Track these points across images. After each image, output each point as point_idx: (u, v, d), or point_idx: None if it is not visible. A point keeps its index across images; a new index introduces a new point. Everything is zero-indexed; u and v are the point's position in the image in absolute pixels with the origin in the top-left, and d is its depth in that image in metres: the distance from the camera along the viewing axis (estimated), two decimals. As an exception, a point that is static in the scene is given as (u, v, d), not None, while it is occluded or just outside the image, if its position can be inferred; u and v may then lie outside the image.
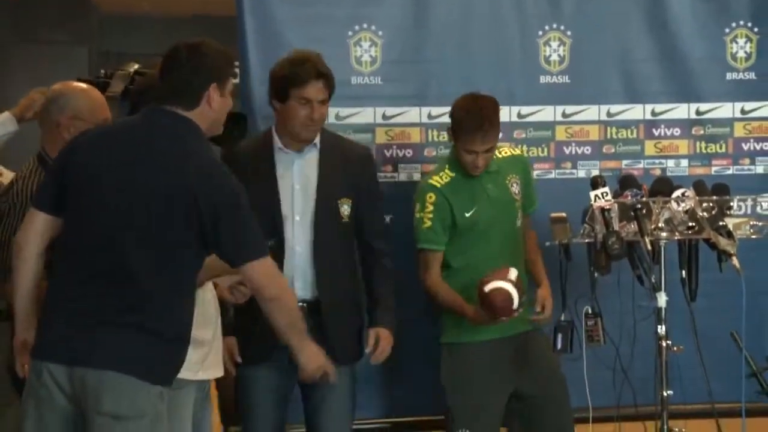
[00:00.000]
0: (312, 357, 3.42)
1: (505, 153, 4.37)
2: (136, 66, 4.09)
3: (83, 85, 4.01)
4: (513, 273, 4.01)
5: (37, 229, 3.27)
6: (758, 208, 4.77)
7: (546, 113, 4.76)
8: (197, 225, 3.16)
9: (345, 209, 4.11)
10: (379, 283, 4.21)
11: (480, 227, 4.24)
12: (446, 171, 4.28)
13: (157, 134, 3.24)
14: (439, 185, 4.26)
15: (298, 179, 4.09)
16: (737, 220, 4.15)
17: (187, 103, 3.24)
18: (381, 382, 4.65)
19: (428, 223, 4.24)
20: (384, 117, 4.61)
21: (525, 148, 4.71)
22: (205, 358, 3.63)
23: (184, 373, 3.39)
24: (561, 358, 4.24)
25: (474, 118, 4.08)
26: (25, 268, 3.26)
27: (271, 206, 4.04)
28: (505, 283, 3.98)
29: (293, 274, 4.04)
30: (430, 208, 4.23)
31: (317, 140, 4.10)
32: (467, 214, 4.23)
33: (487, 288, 3.98)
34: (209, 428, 3.84)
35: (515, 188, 4.29)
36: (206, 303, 3.62)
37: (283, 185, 4.07)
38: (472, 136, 4.09)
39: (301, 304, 3.94)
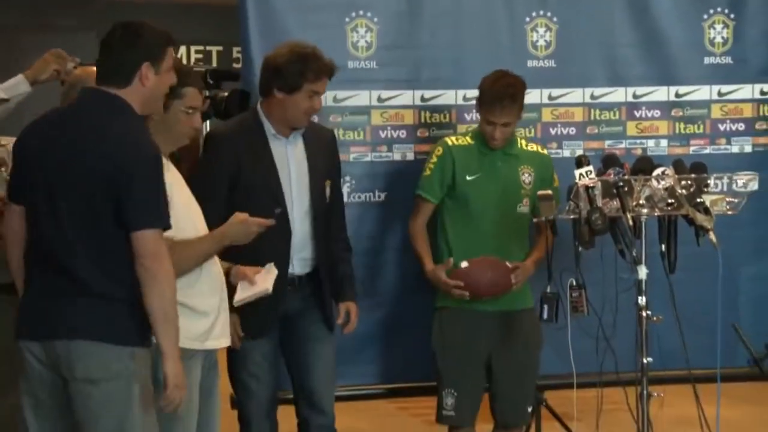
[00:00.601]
0: (178, 371, 3.22)
1: (532, 148, 4.44)
2: None
3: None
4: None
5: (15, 224, 3.31)
6: (734, 186, 4.63)
7: (533, 96, 4.70)
8: (116, 194, 3.13)
9: (327, 190, 4.16)
10: (344, 259, 4.24)
11: (480, 198, 4.27)
12: (467, 138, 4.37)
13: (84, 113, 3.23)
14: (451, 144, 4.35)
15: (293, 164, 4.08)
16: (714, 197, 4.12)
17: (119, 81, 3.21)
18: (375, 351, 4.66)
19: (428, 172, 4.34)
20: (379, 99, 4.61)
21: None
22: (212, 328, 3.60)
23: (192, 344, 3.44)
24: (547, 327, 4.27)
25: (497, 91, 4.16)
26: (17, 262, 3.33)
27: (275, 191, 4.03)
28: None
29: (299, 249, 4.05)
30: (435, 159, 4.33)
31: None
32: (468, 177, 4.27)
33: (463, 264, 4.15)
34: (218, 395, 3.78)
35: (526, 177, 4.32)
36: (212, 275, 3.59)
37: (280, 170, 4.05)
38: (492, 107, 4.16)
39: (300, 275, 4.08)
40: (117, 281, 3.19)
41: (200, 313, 3.53)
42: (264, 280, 3.81)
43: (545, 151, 4.51)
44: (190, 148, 3.88)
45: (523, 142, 4.44)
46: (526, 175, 4.34)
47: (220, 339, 3.66)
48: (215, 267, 3.63)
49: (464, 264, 4.23)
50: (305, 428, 4.22)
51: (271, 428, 4.20)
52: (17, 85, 4.07)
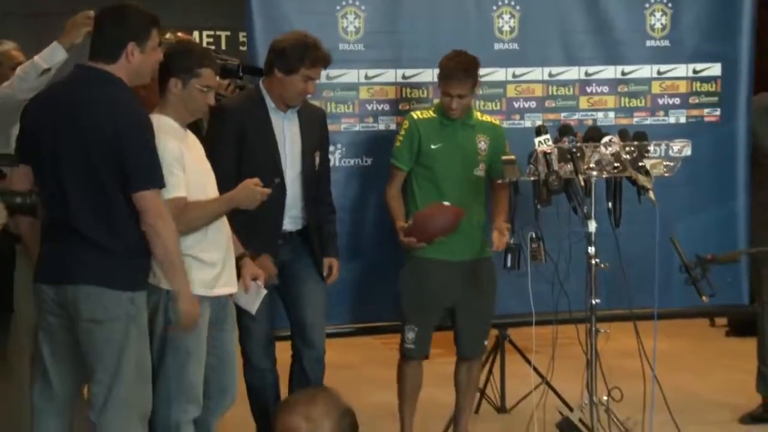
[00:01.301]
0: (190, 301, 3.34)
1: (486, 119, 4.49)
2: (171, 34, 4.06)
3: None
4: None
5: (21, 182, 3.35)
6: (670, 152, 4.66)
7: (499, 74, 4.82)
8: (111, 158, 3.18)
9: (317, 160, 4.22)
10: (329, 220, 4.31)
11: (442, 164, 4.33)
12: (430, 111, 4.44)
13: (77, 87, 3.26)
14: (416, 117, 4.40)
15: (288, 135, 4.14)
16: (653, 161, 4.17)
17: (108, 58, 3.24)
18: (358, 294, 4.71)
19: (398, 143, 4.39)
20: (366, 77, 4.66)
21: (481, 102, 4.76)
22: (218, 278, 3.62)
23: (201, 291, 3.51)
24: (510, 273, 4.30)
25: (452, 67, 4.24)
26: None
27: (273, 157, 4.10)
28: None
29: (290, 208, 4.13)
30: (403, 132, 4.39)
31: None
32: (433, 147, 4.32)
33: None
34: (233, 332, 3.84)
35: (482, 145, 4.37)
36: (218, 232, 3.62)
37: (278, 138, 4.12)
38: (449, 80, 4.24)
39: (290, 231, 4.18)
40: (116, 236, 3.24)
41: (207, 264, 3.56)
42: (253, 299, 3.86)
43: (497, 122, 4.54)
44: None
45: (479, 114, 4.48)
46: (482, 143, 4.38)
47: (226, 287, 3.68)
48: (224, 227, 3.66)
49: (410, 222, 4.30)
50: (298, 360, 4.28)
51: (269, 362, 4.26)
52: (54, 53, 3.92)
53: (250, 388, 4.24)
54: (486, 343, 4.61)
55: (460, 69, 4.25)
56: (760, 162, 5.08)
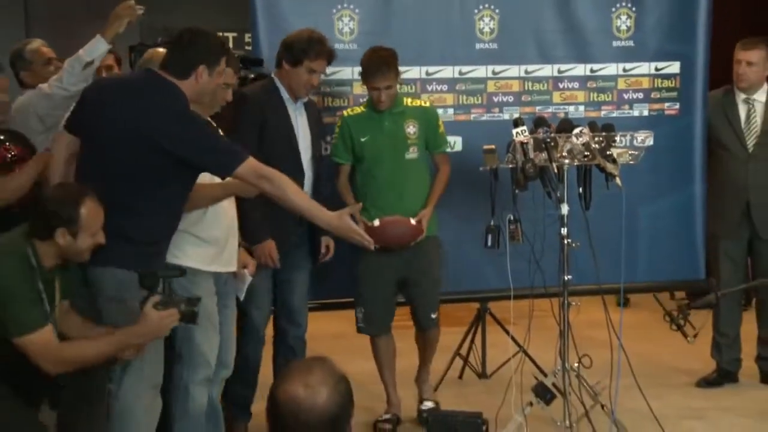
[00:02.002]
0: (334, 218, 3.32)
1: (416, 103, 4.39)
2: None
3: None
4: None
5: (61, 150, 3.35)
6: (635, 142, 4.73)
7: (480, 71, 4.82)
8: (162, 157, 3.11)
9: (321, 147, 4.31)
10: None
11: (372, 153, 4.27)
12: (361, 108, 4.37)
13: (147, 89, 3.21)
14: (346, 115, 4.38)
15: (300, 123, 4.17)
16: (620, 150, 4.19)
17: (179, 73, 3.22)
18: (344, 271, 4.55)
19: (335, 141, 4.37)
20: (359, 74, 4.47)
21: (464, 97, 4.78)
22: (219, 255, 3.62)
23: (197, 264, 3.50)
24: (490, 251, 4.29)
25: (374, 62, 4.17)
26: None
27: (290, 141, 4.10)
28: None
29: (305, 190, 4.03)
30: (337, 131, 4.36)
31: None
32: (363, 139, 4.27)
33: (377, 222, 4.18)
34: (233, 308, 3.84)
35: (411, 129, 4.31)
36: (217, 214, 3.61)
37: (293, 124, 4.15)
38: (373, 76, 4.17)
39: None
40: (144, 231, 3.22)
41: (205, 241, 3.56)
42: (241, 285, 3.86)
43: (428, 104, 4.45)
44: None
45: (409, 100, 4.38)
46: (411, 127, 4.30)
47: (227, 266, 3.68)
48: (229, 210, 3.65)
49: (377, 222, 4.24)
50: (283, 338, 4.27)
51: (264, 337, 4.23)
52: (97, 47, 3.89)
53: (240, 356, 4.02)
54: (434, 316, 4.47)
55: (382, 63, 4.18)
56: (714, 151, 5.11)
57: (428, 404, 4.54)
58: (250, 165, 3.20)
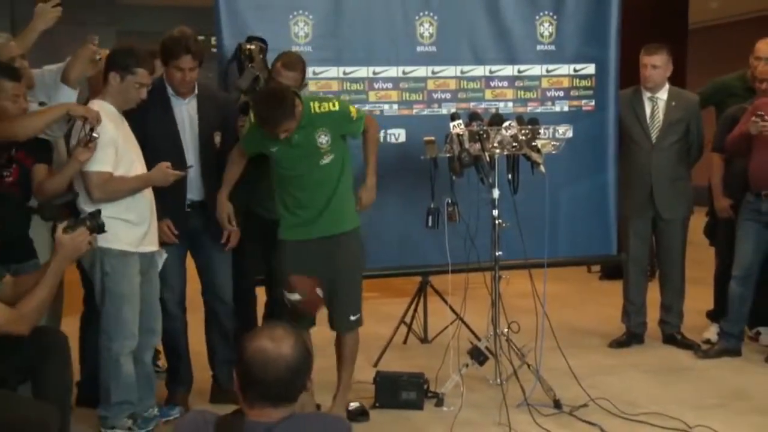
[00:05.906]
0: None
1: (324, 108, 3.71)
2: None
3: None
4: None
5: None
6: (556, 134, 4.89)
7: (421, 71, 4.78)
8: None
9: (217, 139, 4.00)
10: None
11: (285, 164, 3.76)
12: None
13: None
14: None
15: (186, 118, 3.96)
16: (543, 142, 4.20)
17: None
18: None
19: (244, 131, 3.91)
20: (314, 73, 4.57)
21: (407, 94, 4.75)
22: (144, 238, 3.62)
23: (128, 247, 3.56)
24: (431, 230, 4.22)
25: (271, 113, 3.58)
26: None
27: (173, 136, 3.91)
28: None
29: (190, 183, 3.92)
30: (248, 125, 3.84)
31: (196, 90, 3.96)
32: (272, 149, 3.74)
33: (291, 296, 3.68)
34: (157, 285, 3.78)
35: (322, 139, 3.70)
36: (140, 202, 3.60)
37: (178, 122, 3.94)
38: (272, 124, 3.59)
39: (195, 201, 3.98)
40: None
41: (134, 224, 3.58)
42: (157, 260, 3.78)
43: (334, 105, 3.74)
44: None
45: (316, 105, 3.72)
46: (323, 136, 3.70)
47: (150, 246, 3.69)
48: (148, 196, 3.66)
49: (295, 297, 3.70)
50: (213, 315, 4.16)
51: (180, 311, 4.11)
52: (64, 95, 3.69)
53: (165, 332, 3.92)
54: (354, 318, 3.87)
55: (278, 116, 3.59)
56: (625, 143, 5.15)
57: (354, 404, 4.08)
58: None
